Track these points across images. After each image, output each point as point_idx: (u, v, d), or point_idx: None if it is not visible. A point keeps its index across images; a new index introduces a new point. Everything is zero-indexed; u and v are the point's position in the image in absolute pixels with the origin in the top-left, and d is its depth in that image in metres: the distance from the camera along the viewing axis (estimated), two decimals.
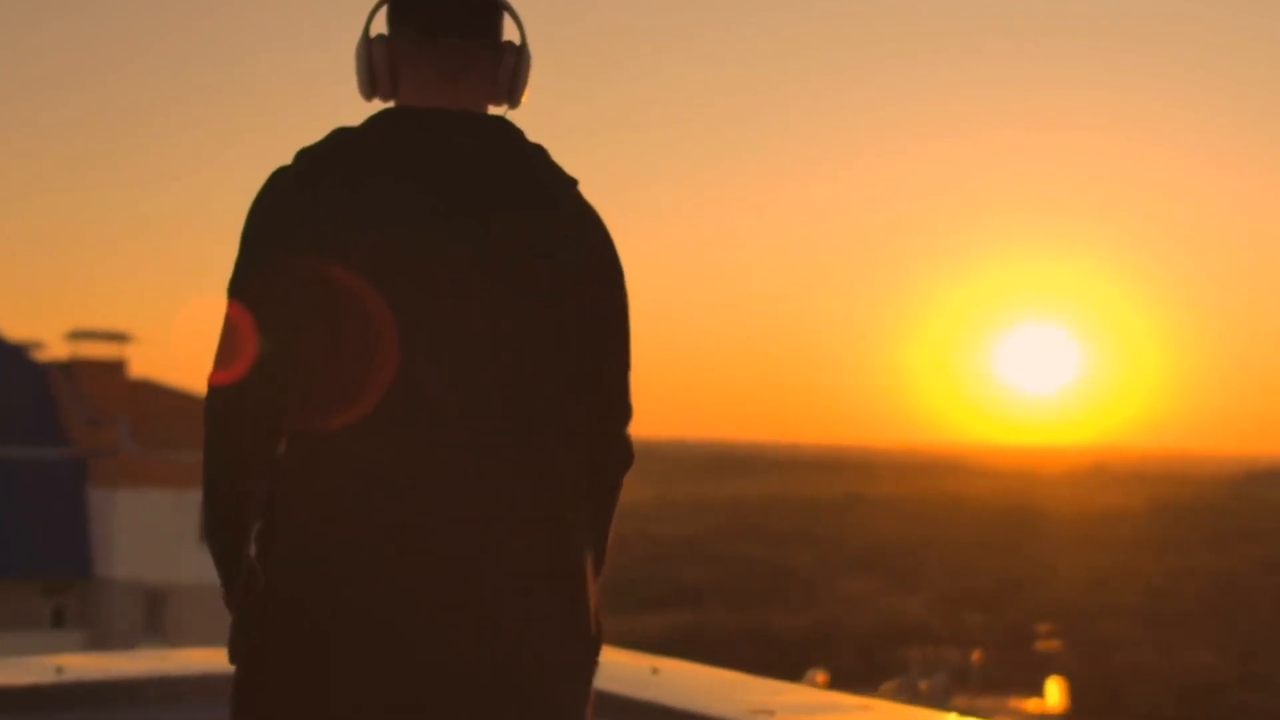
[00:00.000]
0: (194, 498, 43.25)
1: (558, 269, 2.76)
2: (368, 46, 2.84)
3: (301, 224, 2.65)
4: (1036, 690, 43.60)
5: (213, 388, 2.66)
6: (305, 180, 2.69)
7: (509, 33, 2.91)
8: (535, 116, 2.84)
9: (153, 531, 43.64)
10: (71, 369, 47.81)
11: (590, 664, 2.79)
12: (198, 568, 43.17)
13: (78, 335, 48.81)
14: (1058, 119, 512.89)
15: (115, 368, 48.60)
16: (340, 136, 2.75)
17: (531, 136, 2.83)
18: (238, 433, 2.64)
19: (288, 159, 2.72)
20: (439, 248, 2.68)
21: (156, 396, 49.66)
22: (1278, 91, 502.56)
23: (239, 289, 2.67)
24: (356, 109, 2.81)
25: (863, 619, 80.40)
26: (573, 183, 2.83)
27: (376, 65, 2.83)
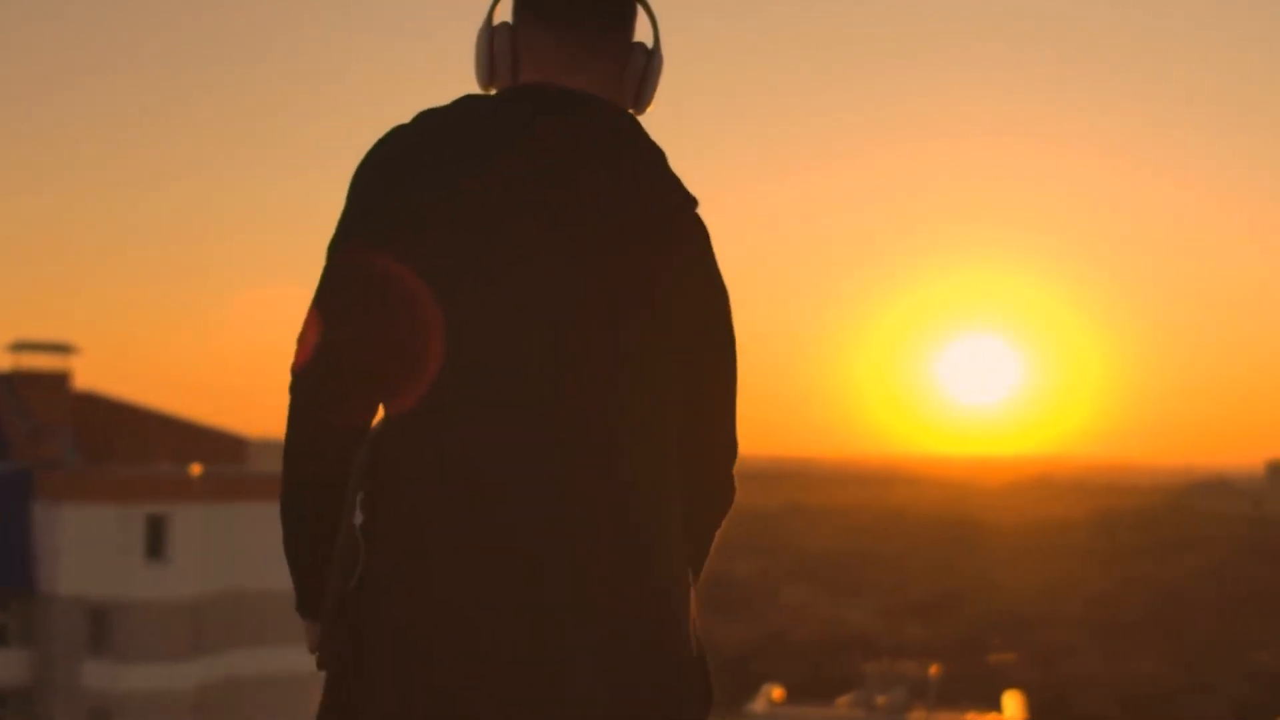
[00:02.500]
0: (140, 511, 42.93)
1: (656, 284, 2.61)
2: (490, 32, 2.70)
3: (400, 201, 2.55)
4: (993, 703, 43.68)
5: (294, 372, 2.58)
6: (415, 151, 2.58)
7: (641, 33, 2.76)
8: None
9: (98, 546, 43.16)
10: (13, 380, 47.39)
11: (687, 696, 2.59)
12: (145, 583, 42.82)
13: (20, 347, 48.43)
14: (1000, 130, 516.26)
15: (59, 379, 48.21)
16: (466, 107, 2.63)
17: None
18: (317, 417, 2.56)
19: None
20: (536, 242, 2.54)
21: (101, 409, 49.27)
22: (1220, 104, 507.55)
23: (330, 270, 2.58)
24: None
25: (807, 630, 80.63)
26: (690, 200, 2.68)
27: (498, 53, 2.69)
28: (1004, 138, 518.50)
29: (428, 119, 2.59)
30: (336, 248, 2.55)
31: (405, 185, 2.53)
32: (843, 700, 36.80)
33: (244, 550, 44.12)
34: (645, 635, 2.51)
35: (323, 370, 2.51)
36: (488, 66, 2.70)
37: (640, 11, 2.74)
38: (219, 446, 49.71)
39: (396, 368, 2.51)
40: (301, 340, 2.55)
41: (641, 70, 2.72)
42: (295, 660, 44.37)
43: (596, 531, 2.50)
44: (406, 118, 2.63)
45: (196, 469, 44.62)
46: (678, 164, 2.66)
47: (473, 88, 2.72)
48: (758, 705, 45.37)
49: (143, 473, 44.40)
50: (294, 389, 2.57)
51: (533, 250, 2.52)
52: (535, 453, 2.49)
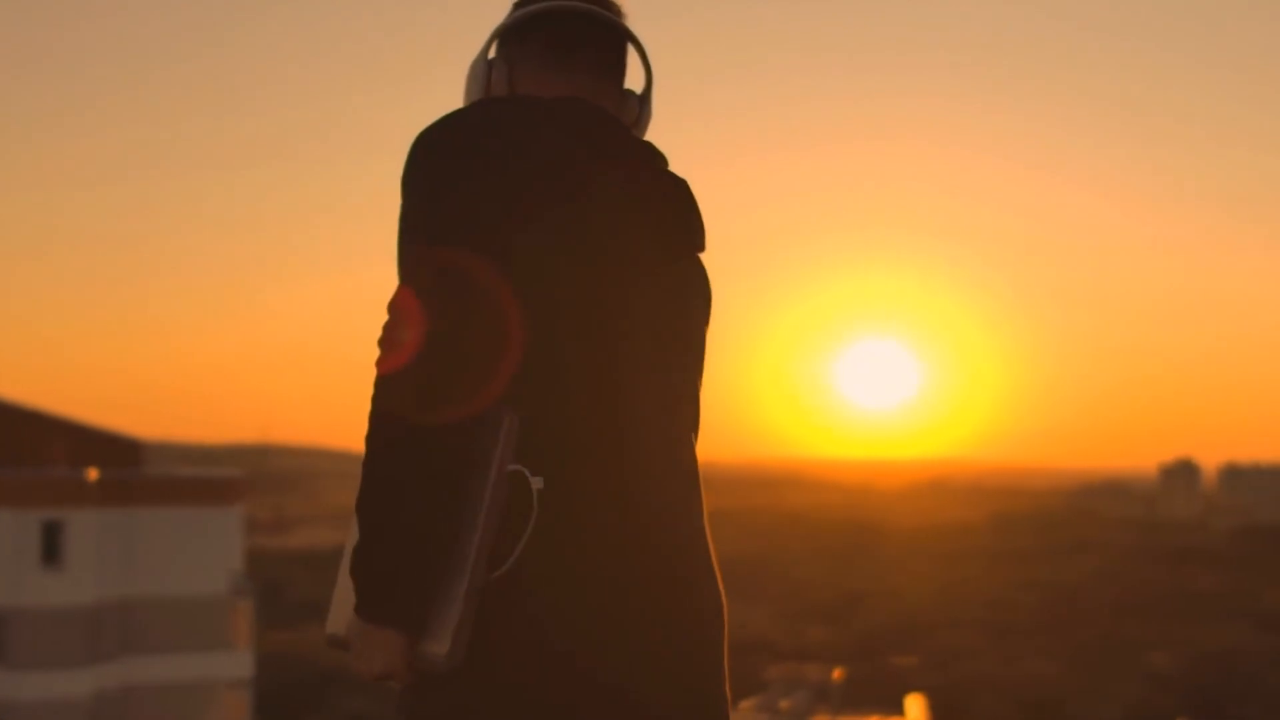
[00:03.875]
0: (35, 517, 42.31)
1: (706, 285, 2.79)
2: (487, 67, 2.79)
3: (499, 197, 2.52)
4: (896, 707, 43.91)
5: (401, 368, 2.43)
6: (506, 147, 2.56)
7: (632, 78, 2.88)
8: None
9: None
10: None
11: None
12: (40, 590, 42.21)
13: None
14: (895, 132, 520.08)
15: None
16: (530, 105, 2.64)
17: None
18: (438, 411, 2.42)
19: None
20: (638, 238, 2.64)
21: None
22: (1116, 106, 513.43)
23: (425, 258, 2.48)
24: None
25: None
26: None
27: (495, 89, 2.77)
28: (901, 142, 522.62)
29: (498, 112, 2.59)
30: (434, 243, 2.48)
31: (502, 181, 2.51)
32: (746, 705, 36.78)
33: (141, 556, 43.67)
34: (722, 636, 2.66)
35: (437, 366, 2.40)
36: (484, 91, 2.78)
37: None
38: (114, 450, 49.11)
39: (503, 360, 2.48)
40: (399, 337, 2.41)
41: (634, 121, 2.85)
42: (193, 668, 44.04)
43: (700, 527, 2.64)
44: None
45: (93, 473, 44.03)
46: None
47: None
48: None
49: (37, 477, 43.76)
50: (403, 385, 2.41)
51: (637, 247, 2.61)
52: (659, 449, 2.60)
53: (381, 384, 2.40)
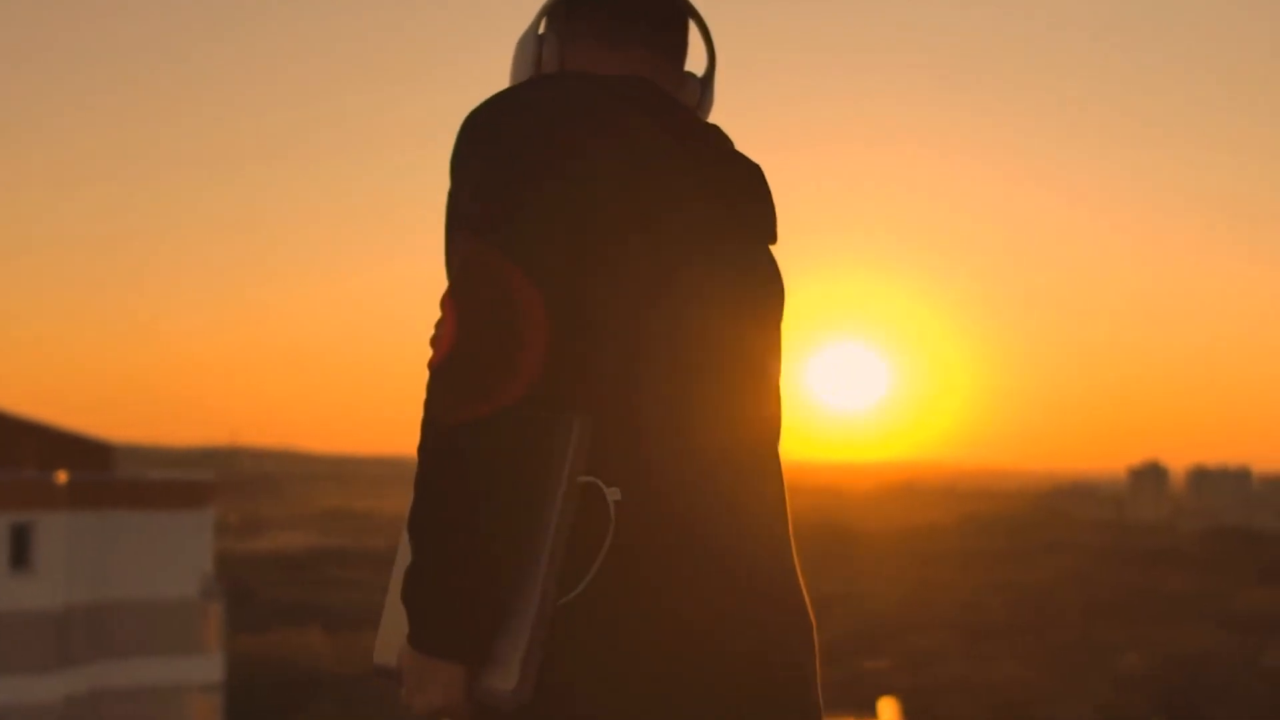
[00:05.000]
0: (3, 520, 42.06)
1: (778, 274, 2.62)
2: (537, 42, 2.55)
3: (571, 189, 2.28)
4: (868, 710, 43.91)
5: (470, 370, 2.19)
6: (575, 134, 2.32)
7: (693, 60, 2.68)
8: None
9: None
10: None
11: None
12: (9, 594, 41.97)
13: None
14: (866, 136, 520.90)
15: None
16: (592, 85, 2.40)
17: None
18: (515, 414, 2.18)
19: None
20: (724, 242, 2.46)
21: None
22: (1085, 112, 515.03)
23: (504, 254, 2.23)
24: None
25: None
26: None
27: (545, 66, 2.54)
28: (873, 146, 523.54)
29: (553, 90, 2.36)
30: (486, 233, 2.24)
31: (561, 164, 2.27)
32: None
33: (111, 559, 43.49)
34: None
35: (493, 368, 2.17)
36: (534, 69, 2.55)
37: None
38: (84, 453, 48.93)
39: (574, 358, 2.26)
40: (449, 336, 2.21)
41: (695, 103, 2.64)
42: (164, 672, 43.89)
43: (788, 541, 2.51)
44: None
45: (62, 476, 43.85)
46: None
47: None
48: None
49: (6, 479, 43.55)
50: (455, 390, 2.18)
51: (712, 235, 2.42)
52: (746, 453, 2.43)
53: (431, 389, 2.17)
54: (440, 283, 2.32)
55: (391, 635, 2.34)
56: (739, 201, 2.48)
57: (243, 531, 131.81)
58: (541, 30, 2.58)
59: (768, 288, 2.53)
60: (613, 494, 2.22)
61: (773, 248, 2.59)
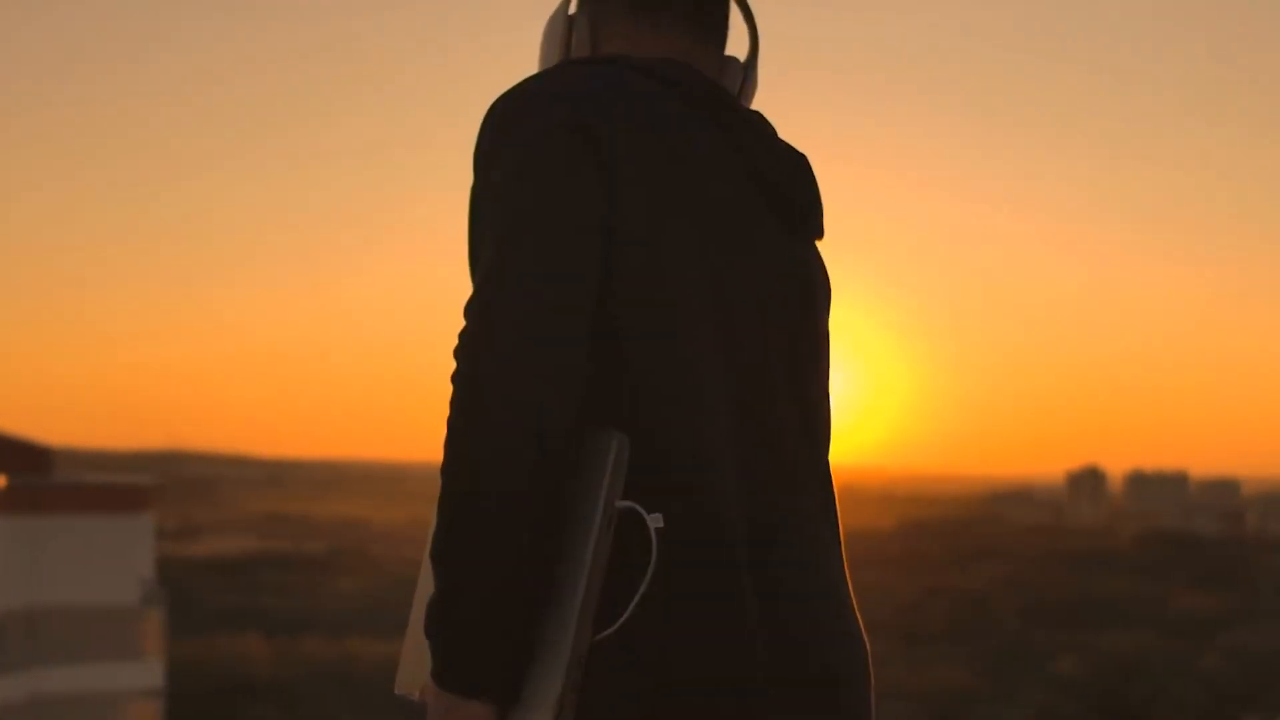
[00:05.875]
0: None
1: (824, 270, 2.43)
2: (567, 24, 2.36)
3: (620, 183, 2.11)
4: None
5: (507, 375, 2.00)
6: (623, 127, 2.13)
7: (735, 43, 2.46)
8: None
9: None
10: None
11: None
12: None
13: None
14: (803, 143, 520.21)
15: None
16: (626, 69, 2.21)
17: None
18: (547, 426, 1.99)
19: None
20: (767, 241, 2.27)
21: None
22: (1016, 117, 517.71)
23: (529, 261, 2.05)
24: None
25: None
26: None
27: (576, 50, 2.35)
28: (811, 152, 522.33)
29: (586, 76, 2.17)
30: (514, 233, 2.05)
31: (596, 156, 2.09)
32: None
33: (50, 564, 43.16)
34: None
35: (522, 378, 1.98)
36: (563, 50, 2.36)
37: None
38: (23, 456, 48.55)
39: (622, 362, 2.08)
40: (474, 343, 2.01)
41: (738, 88, 2.42)
42: (103, 678, 43.58)
43: (841, 563, 2.31)
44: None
45: (1, 480, 43.52)
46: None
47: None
48: None
49: None
50: (482, 404, 1.98)
51: (758, 231, 2.25)
52: (797, 471, 2.23)
53: (457, 405, 1.98)
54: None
55: (413, 663, 2.21)
56: (783, 196, 2.28)
57: (181, 536, 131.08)
58: (572, 10, 2.37)
59: (813, 288, 2.33)
60: (655, 520, 2.02)
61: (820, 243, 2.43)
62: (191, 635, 66.84)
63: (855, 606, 2.28)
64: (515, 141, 2.10)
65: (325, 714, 60.84)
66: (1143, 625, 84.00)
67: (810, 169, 2.35)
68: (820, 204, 2.36)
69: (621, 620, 2.01)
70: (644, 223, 2.10)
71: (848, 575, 2.29)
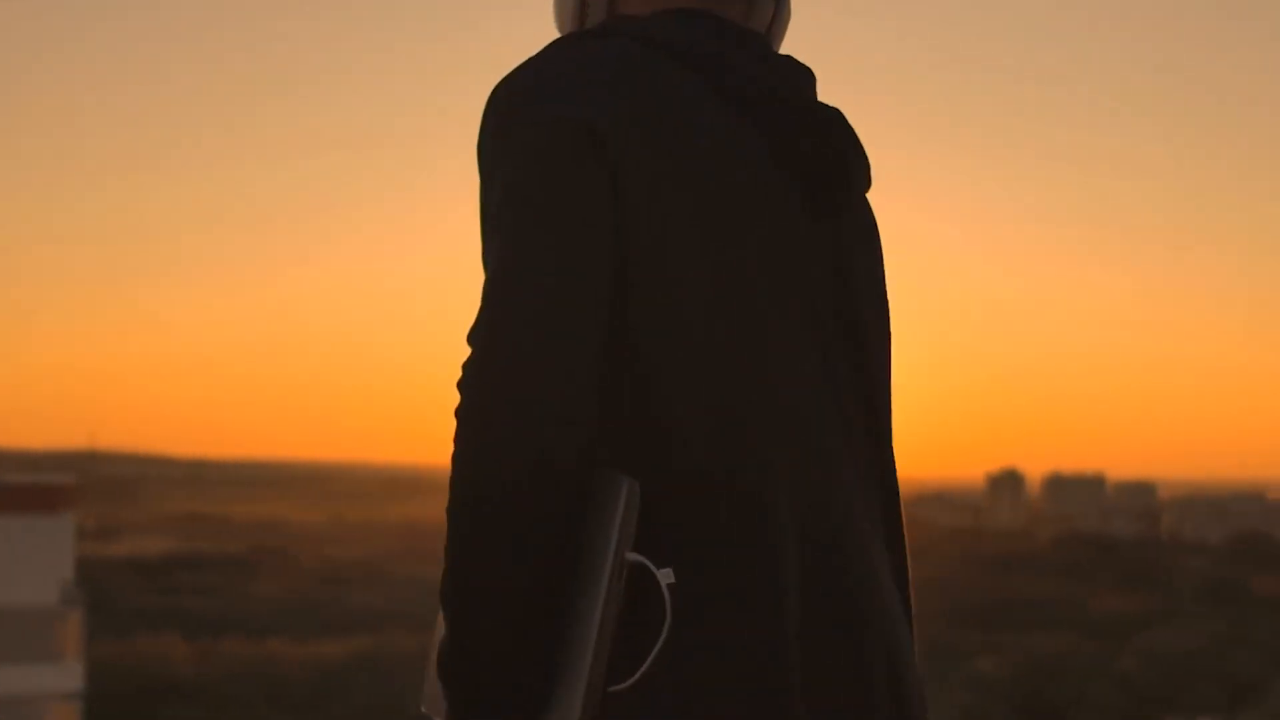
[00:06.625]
0: None
1: (874, 242, 2.20)
2: None
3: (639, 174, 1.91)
4: None
5: (505, 391, 1.83)
6: (643, 110, 1.93)
7: None
8: None
9: None
10: None
11: None
12: None
13: None
14: None
15: None
16: (639, 43, 1.99)
17: None
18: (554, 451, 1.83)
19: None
20: (804, 236, 2.04)
21: None
22: (936, 113, 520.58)
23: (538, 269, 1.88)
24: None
25: None
26: None
27: (591, 14, 2.14)
28: None
29: (596, 56, 1.96)
30: (522, 239, 1.87)
31: (606, 151, 1.89)
32: None
33: None
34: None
35: (528, 409, 1.81)
36: (577, 11, 2.14)
37: None
38: None
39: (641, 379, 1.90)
40: (478, 369, 1.85)
41: (768, 22, 2.20)
42: (21, 680, 43.20)
43: (905, 621, 2.08)
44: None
45: None
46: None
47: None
48: None
49: None
50: (485, 439, 1.82)
51: (789, 222, 2.02)
52: (845, 509, 2.01)
53: (461, 434, 1.82)
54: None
55: (436, 687, 2.08)
56: (808, 174, 2.03)
57: (100, 536, 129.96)
58: None
59: (849, 271, 2.09)
60: (665, 576, 1.85)
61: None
62: (112, 636, 66.28)
63: (922, 685, 2.05)
64: (515, 137, 1.91)
65: (246, 715, 60.47)
66: (1062, 626, 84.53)
67: (843, 128, 2.09)
68: (858, 165, 2.10)
69: (640, 673, 1.85)
70: (657, 232, 1.90)
71: (914, 645, 2.07)
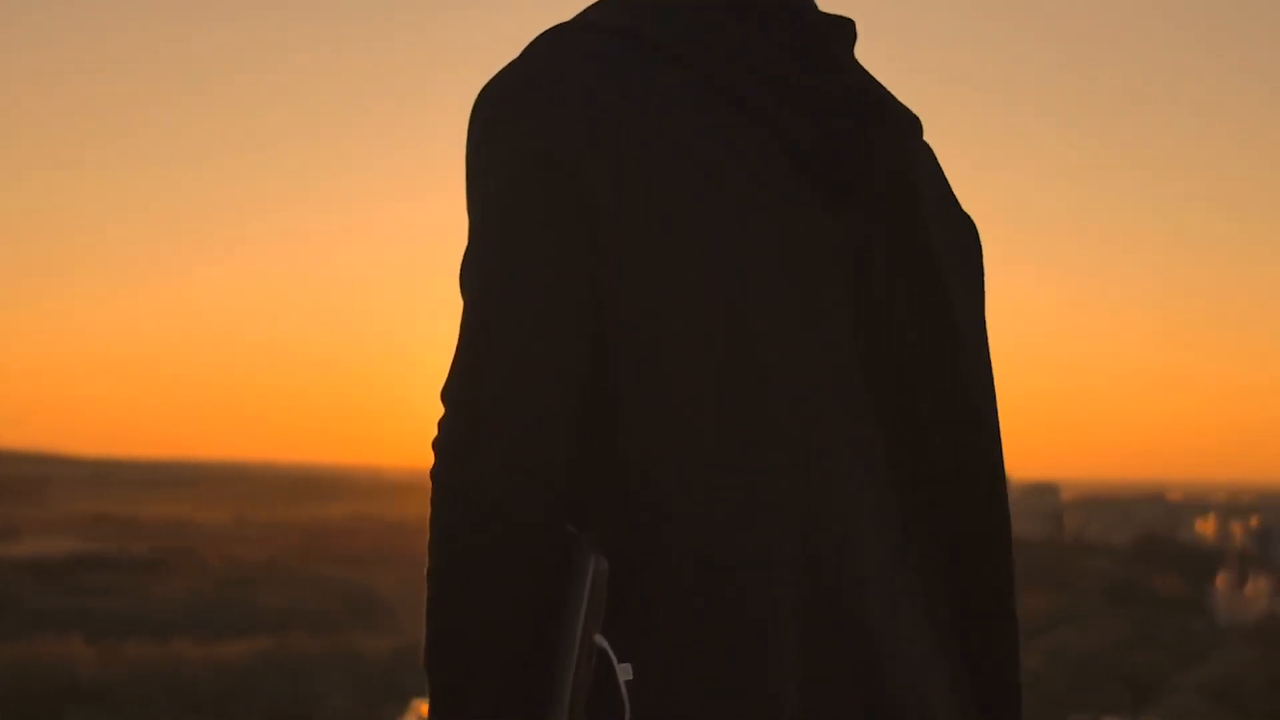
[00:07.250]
0: None
1: (967, 234, 1.96)
2: None
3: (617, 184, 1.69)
4: None
5: (476, 439, 1.68)
6: (647, 115, 1.70)
7: None
8: None
9: None
10: None
11: None
12: None
13: None
14: None
15: None
16: (644, 35, 1.74)
17: None
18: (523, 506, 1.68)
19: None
20: (800, 228, 1.75)
21: None
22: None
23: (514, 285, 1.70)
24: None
25: None
26: None
27: None
28: None
29: (592, 51, 1.73)
30: (508, 262, 1.69)
31: (604, 162, 1.67)
32: None
33: None
34: None
35: (507, 460, 1.67)
36: None
37: None
38: None
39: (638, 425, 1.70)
40: (455, 412, 1.70)
41: None
42: None
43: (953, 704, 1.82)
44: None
45: None
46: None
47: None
48: None
49: None
50: (461, 494, 1.68)
51: (797, 228, 1.75)
52: (878, 503, 1.78)
53: (435, 489, 1.69)
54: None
55: None
56: (820, 168, 1.76)
57: (1, 537, 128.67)
58: None
59: (874, 270, 1.80)
60: (624, 672, 1.64)
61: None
62: (12, 638, 65.56)
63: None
64: (500, 146, 1.70)
65: (150, 717, 59.93)
66: None
67: (875, 95, 1.83)
68: (895, 142, 1.83)
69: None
70: (630, 257, 1.68)
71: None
